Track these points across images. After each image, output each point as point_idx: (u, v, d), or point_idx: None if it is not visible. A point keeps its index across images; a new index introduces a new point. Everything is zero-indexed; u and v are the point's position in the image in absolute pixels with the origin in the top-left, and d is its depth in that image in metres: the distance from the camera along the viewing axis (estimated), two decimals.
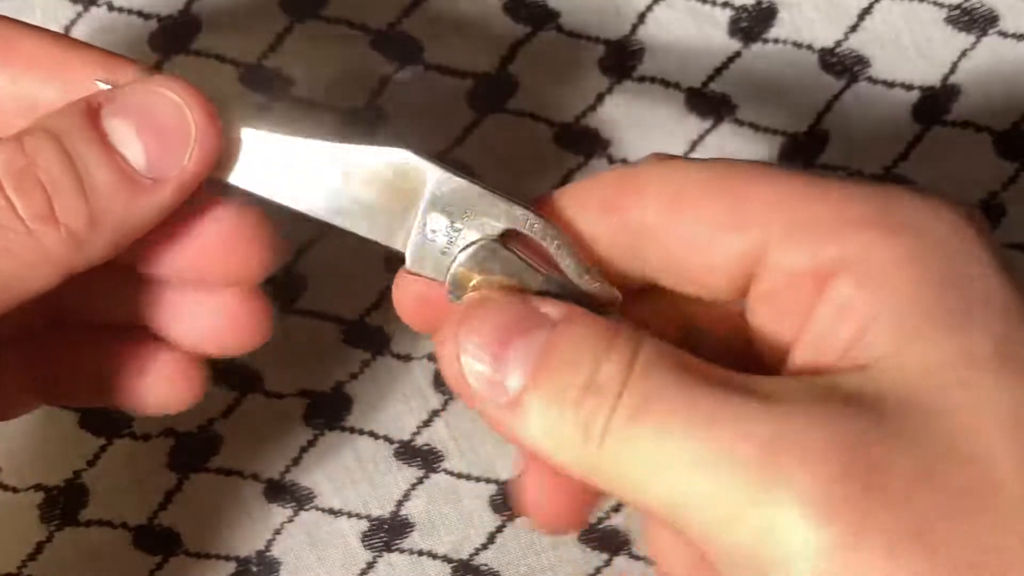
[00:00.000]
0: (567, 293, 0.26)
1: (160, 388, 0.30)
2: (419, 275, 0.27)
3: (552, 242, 0.26)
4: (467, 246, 0.26)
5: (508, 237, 0.26)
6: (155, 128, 0.25)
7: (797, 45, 0.38)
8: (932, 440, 0.22)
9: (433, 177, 0.26)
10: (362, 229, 0.27)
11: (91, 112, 0.25)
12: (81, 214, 0.25)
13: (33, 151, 0.25)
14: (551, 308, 0.25)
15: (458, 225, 0.27)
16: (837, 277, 0.24)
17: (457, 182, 0.26)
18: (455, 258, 0.27)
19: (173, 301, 0.29)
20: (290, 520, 0.40)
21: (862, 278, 0.23)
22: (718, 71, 0.38)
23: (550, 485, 0.27)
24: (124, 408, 0.31)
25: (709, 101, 0.38)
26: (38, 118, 0.26)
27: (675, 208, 0.25)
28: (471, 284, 0.26)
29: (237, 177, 0.27)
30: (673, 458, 0.22)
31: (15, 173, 0.25)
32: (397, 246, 0.27)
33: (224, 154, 0.26)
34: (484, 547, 0.40)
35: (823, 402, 0.22)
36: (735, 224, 0.25)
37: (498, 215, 0.26)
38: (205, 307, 0.28)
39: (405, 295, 0.28)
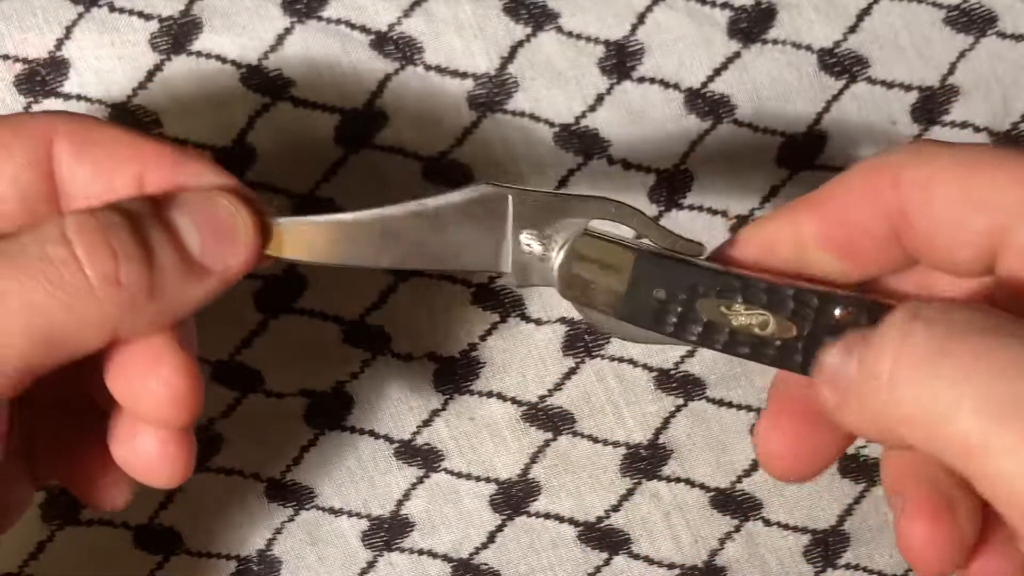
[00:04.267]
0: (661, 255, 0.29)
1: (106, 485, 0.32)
2: (530, 286, 0.30)
3: (632, 219, 0.29)
4: (561, 247, 0.29)
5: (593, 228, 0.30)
6: (211, 226, 0.28)
7: (796, 46, 0.38)
8: None
9: (512, 198, 0.30)
10: (468, 265, 0.30)
11: (157, 203, 0.28)
12: (143, 281, 0.27)
13: (106, 220, 0.27)
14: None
15: (548, 232, 0.30)
16: None
17: (534, 195, 0.30)
18: (554, 261, 0.30)
19: (119, 425, 0.30)
20: (291, 519, 0.40)
21: None
22: (718, 71, 0.38)
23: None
24: (82, 499, 0.32)
25: (709, 101, 0.38)
26: (107, 201, 0.28)
27: (927, 190, 0.27)
28: (576, 277, 0.29)
29: (343, 257, 0.30)
30: (966, 404, 0.23)
31: (87, 234, 0.27)
32: (504, 270, 0.30)
33: (320, 242, 0.30)
34: (484, 546, 0.40)
35: None
36: (979, 204, 0.26)
37: (579, 211, 0.29)
38: (137, 437, 0.30)
39: (775, 442, 0.30)
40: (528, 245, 0.30)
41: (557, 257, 0.30)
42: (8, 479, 0.31)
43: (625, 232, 0.30)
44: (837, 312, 0.28)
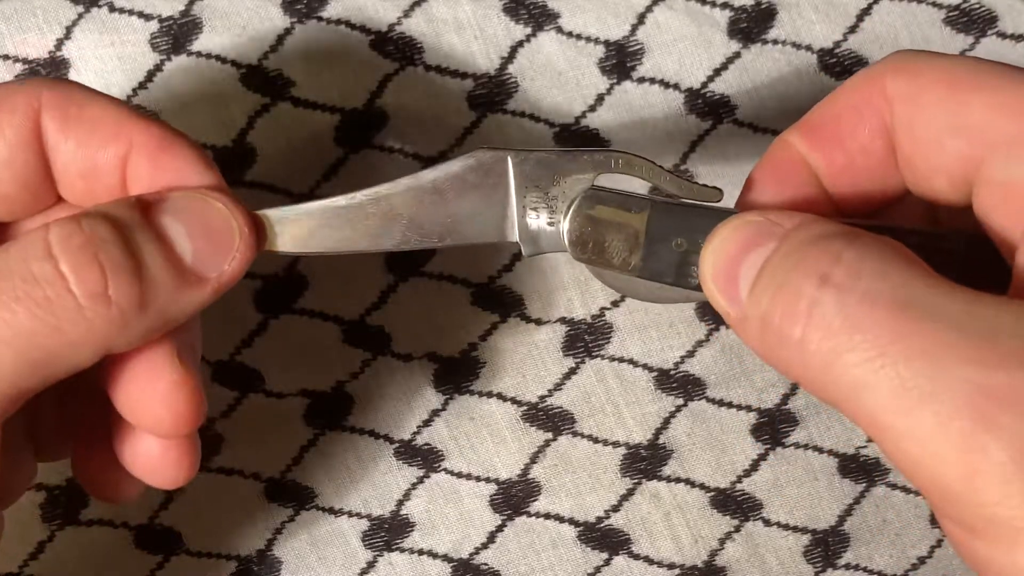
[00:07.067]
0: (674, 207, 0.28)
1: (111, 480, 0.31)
2: (541, 253, 0.29)
3: (641, 169, 0.28)
4: (568, 207, 0.28)
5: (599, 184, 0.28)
6: (204, 231, 0.27)
7: (796, 46, 0.38)
8: None
9: (512, 160, 0.28)
10: (473, 238, 0.28)
11: (146, 207, 0.27)
12: (133, 296, 0.26)
13: (92, 231, 0.26)
14: (786, 219, 0.25)
15: (553, 193, 0.28)
16: None
17: (534, 155, 0.28)
18: (563, 224, 0.28)
19: (122, 426, 0.30)
20: (291, 519, 0.40)
21: None
22: (718, 71, 0.38)
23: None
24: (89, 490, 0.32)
25: (709, 101, 0.38)
26: (94, 205, 0.27)
27: (912, 106, 0.26)
28: (588, 238, 0.28)
29: (340, 244, 0.28)
30: (878, 385, 0.22)
31: (73, 250, 0.26)
32: (512, 239, 0.28)
33: (313, 230, 0.28)
34: (484, 546, 0.40)
35: None
36: (957, 129, 0.25)
37: (583, 167, 0.28)
38: (139, 440, 0.29)
39: None
40: (534, 209, 0.28)
41: (565, 219, 0.28)
42: (12, 455, 0.30)
43: (636, 185, 0.28)
44: None
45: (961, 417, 0.22)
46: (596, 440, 0.40)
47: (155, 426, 0.28)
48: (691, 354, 0.39)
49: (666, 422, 0.40)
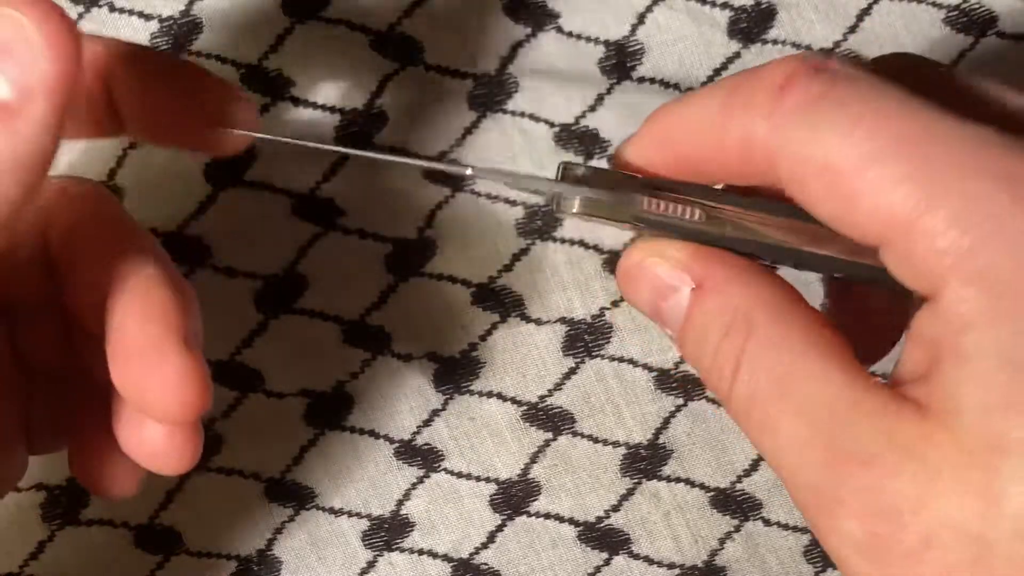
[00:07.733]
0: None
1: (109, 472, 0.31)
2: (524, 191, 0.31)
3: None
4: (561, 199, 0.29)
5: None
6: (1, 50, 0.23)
7: (796, 46, 0.38)
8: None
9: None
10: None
11: None
12: None
13: None
14: (695, 267, 0.27)
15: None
16: (931, 301, 0.24)
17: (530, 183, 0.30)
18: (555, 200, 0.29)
19: (125, 412, 0.30)
20: (291, 519, 0.40)
21: (941, 314, 0.24)
22: (718, 72, 0.38)
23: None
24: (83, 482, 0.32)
25: None
26: None
27: (801, 195, 0.26)
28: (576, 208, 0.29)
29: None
30: (774, 442, 0.26)
31: None
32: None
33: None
34: (484, 546, 0.40)
35: None
36: (846, 222, 0.25)
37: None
38: (143, 426, 0.29)
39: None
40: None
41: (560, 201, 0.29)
42: (4, 446, 0.31)
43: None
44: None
45: (813, 497, 0.25)
46: (596, 440, 0.40)
47: (161, 412, 0.28)
48: None
49: (666, 422, 0.40)
